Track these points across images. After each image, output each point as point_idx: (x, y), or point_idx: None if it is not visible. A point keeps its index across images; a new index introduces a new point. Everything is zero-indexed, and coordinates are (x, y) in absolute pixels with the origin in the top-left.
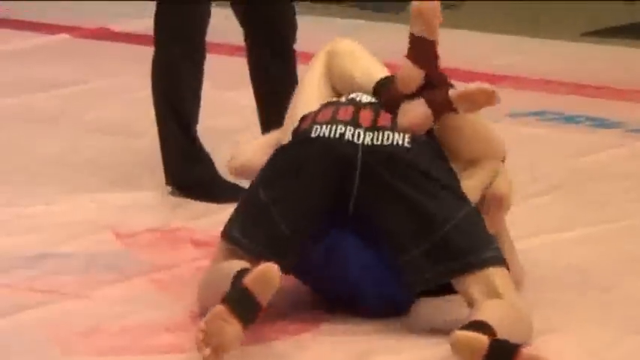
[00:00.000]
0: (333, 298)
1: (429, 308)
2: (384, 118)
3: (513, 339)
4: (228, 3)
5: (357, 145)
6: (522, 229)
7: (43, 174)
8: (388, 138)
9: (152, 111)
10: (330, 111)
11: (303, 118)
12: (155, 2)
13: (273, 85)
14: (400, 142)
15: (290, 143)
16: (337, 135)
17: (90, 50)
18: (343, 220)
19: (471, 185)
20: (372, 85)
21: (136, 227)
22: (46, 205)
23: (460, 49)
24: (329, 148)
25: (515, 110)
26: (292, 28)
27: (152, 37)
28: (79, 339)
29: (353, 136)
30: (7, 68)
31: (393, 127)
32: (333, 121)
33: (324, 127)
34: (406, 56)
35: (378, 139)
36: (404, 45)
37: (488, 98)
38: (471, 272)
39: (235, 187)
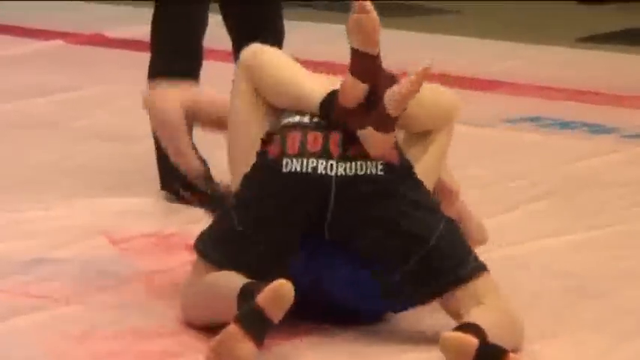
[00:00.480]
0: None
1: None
2: (354, 145)
3: (505, 343)
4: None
5: (330, 177)
6: (517, 234)
7: (37, 180)
8: (362, 168)
9: (147, 117)
10: (298, 139)
11: (268, 141)
12: (153, 7)
13: None
14: (374, 172)
15: (261, 175)
16: (309, 169)
17: (84, 56)
18: (321, 244)
19: (429, 166)
20: (316, 99)
21: (131, 232)
22: (41, 210)
23: (457, 55)
24: (302, 183)
25: (511, 116)
26: (282, 34)
27: (147, 44)
28: (72, 344)
29: (325, 168)
30: (2, 74)
31: (365, 155)
32: (303, 153)
33: (295, 160)
34: (349, 70)
35: (351, 170)
36: (404, 52)
37: (418, 83)
38: (460, 285)
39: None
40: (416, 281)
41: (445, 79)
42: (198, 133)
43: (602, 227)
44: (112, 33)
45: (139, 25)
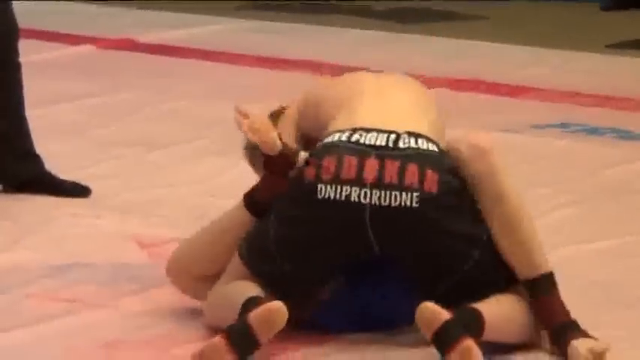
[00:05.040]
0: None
1: None
2: (391, 172)
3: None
4: (250, 14)
5: (364, 205)
6: (546, 242)
7: None
8: (396, 199)
9: (174, 123)
10: (334, 162)
11: (307, 162)
12: None
13: None
14: (408, 203)
15: (297, 198)
16: (343, 197)
17: (114, 62)
18: (367, 269)
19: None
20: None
21: (160, 237)
22: (71, 215)
23: (486, 61)
24: (336, 211)
25: (539, 122)
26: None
27: (176, 49)
28: (102, 349)
29: (359, 196)
30: (32, 79)
31: (401, 185)
32: (337, 179)
33: (329, 187)
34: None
35: (385, 200)
36: (432, 58)
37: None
38: None
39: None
40: (449, 302)
41: (473, 85)
42: (223, 141)
43: (630, 235)
44: (141, 38)
45: (169, 30)
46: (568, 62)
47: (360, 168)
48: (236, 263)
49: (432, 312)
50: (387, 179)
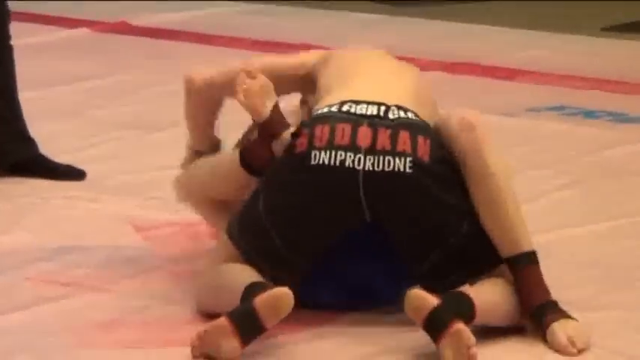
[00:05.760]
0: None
1: None
2: (383, 139)
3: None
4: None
5: (357, 171)
6: (542, 224)
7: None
8: (389, 164)
9: (171, 105)
10: (327, 130)
11: (297, 134)
12: None
13: None
14: (401, 168)
15: (289, 167)
16: (337, 162)
17: (110, 45)
18: (360, 232)
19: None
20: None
21: (156, 221)
22: (67, 198)
23: (481, 43)
24: (330, 178)
25: (535, 105)
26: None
27: (172, 32)
28: (98, 332)
29: (353, 162)
30: (28, 62)
31: (393, 150)
32: (331, 145)
33: (323, 152)
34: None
35: (378, 165)
36: (430, 40)
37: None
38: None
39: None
40: (437, 275)
41: (470, 68)
42: (224, 122)
43: (627, 217)
44: (137, 21)
45: (165, 13)
46: (564, 45)
47: (354, 135)
48: (225, 243)
49: (420, 299)
50: (379, 146)
